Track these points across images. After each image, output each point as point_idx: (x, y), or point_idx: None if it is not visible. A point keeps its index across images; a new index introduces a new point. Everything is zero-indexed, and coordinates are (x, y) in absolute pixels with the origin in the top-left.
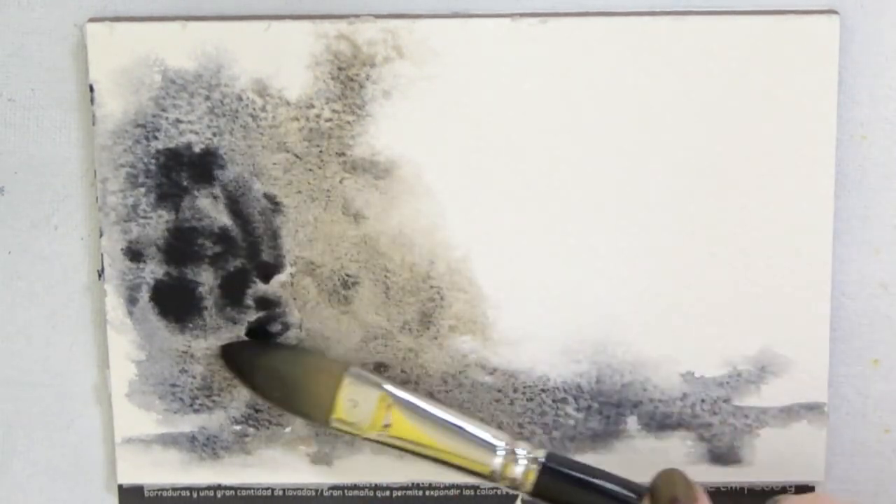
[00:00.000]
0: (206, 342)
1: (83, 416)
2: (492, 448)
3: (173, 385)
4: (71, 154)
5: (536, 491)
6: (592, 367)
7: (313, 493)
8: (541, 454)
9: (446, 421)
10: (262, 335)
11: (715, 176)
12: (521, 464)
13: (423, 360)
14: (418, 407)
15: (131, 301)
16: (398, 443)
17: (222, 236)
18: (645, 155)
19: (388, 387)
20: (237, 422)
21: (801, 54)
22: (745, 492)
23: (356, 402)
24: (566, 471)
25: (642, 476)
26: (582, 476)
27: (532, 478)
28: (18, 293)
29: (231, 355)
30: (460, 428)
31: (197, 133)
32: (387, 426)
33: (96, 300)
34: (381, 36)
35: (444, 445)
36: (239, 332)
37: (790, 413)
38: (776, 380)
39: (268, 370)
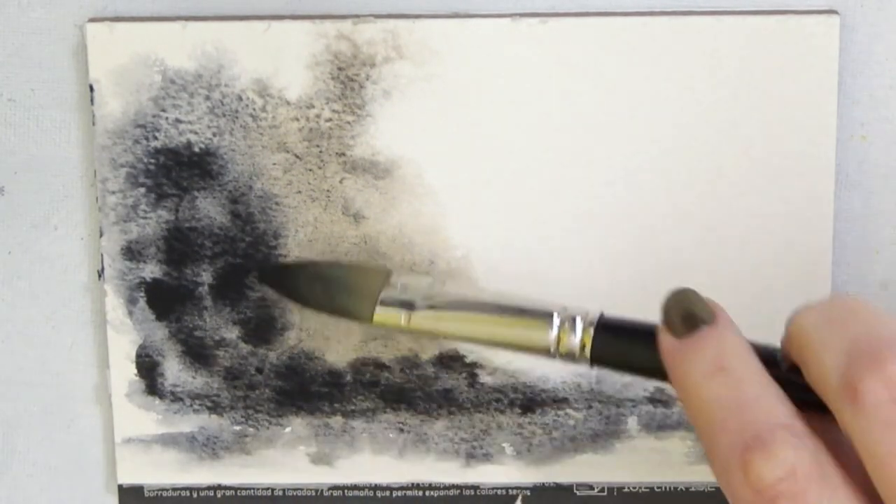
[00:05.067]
0: (205, 342)
1: (83, 416)
2: (548, 319)
3: (174, 385)
4: (71, 154)
5: (595, 359)
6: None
7: (313, 493)
8: (595, 316)
9: (497, 303)
10: (261, 332)
11: (715, 176)
12: (578, 333)
13: (423, 360)
14: (466, 295)
15: (131, 301)
16: (447, 327)
17: (222, 236)
18: (645, 155)
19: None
20: (237, 422)
21: (801, 54)
22: None
23: (406, 286)
24: (623, 329)
25: (642, 476)
26: (637, 330)
27: (588, 344)
28: (18, 293)
29: (268, 276)
30: (511, 308)
31: (197, 133)
32: (433, 307)
33: (96, 300)
34: (381, 36)
35: (499, 329)
36: (238, 333)
37: None
38: None
39: (311, 277)
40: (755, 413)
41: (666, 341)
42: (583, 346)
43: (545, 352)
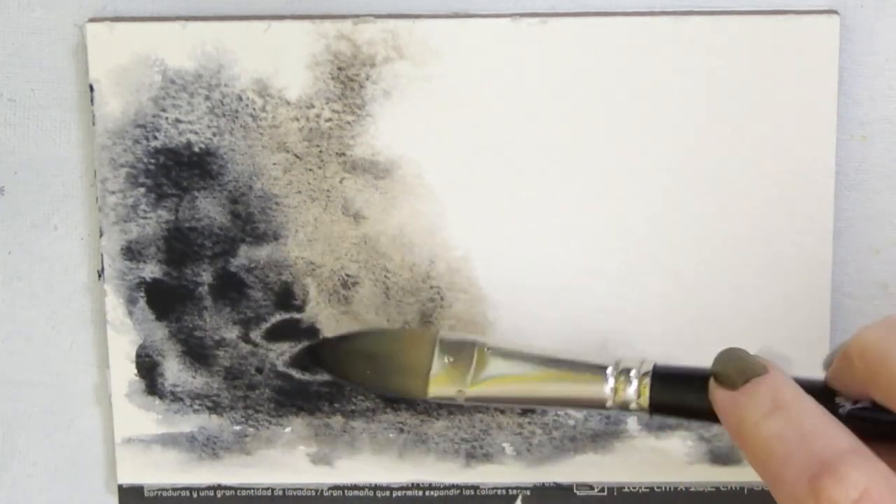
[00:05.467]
0: (205, 342)
1: (83, 416)
2: (601, 375)
3: (174, 385)
4: (71, 154)
5: (654, 407)
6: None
7: (313, 493)
8: (648, 366)
9: (548, 361)
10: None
11: (715, 176)
12: (633, 383)
13: None
14: (515, 353)
15: (131, 301)
16: (500, 393)
17: (222, 236)
18: (645, 155)
19: (481, 340)
20: (237, 422)
21: (801, 54)
22: (745, 492)
23: (453, 360)
24: (677, 377)
25: (642, 476)
26: (694, 378)
27: (645, 394)
28: (18, 293)
29: (315, 353)
30: (564, 364)
31: (197, 133)
32: (484, 380)
33: (96, 300)
34: (381, 36)
35: (552, 389)
36: (238, 333)
37: None
38: None
39: (356, 354)
40: (820, 442)
41: (719, 394)
42: (639, 396)
43: (601, 405)
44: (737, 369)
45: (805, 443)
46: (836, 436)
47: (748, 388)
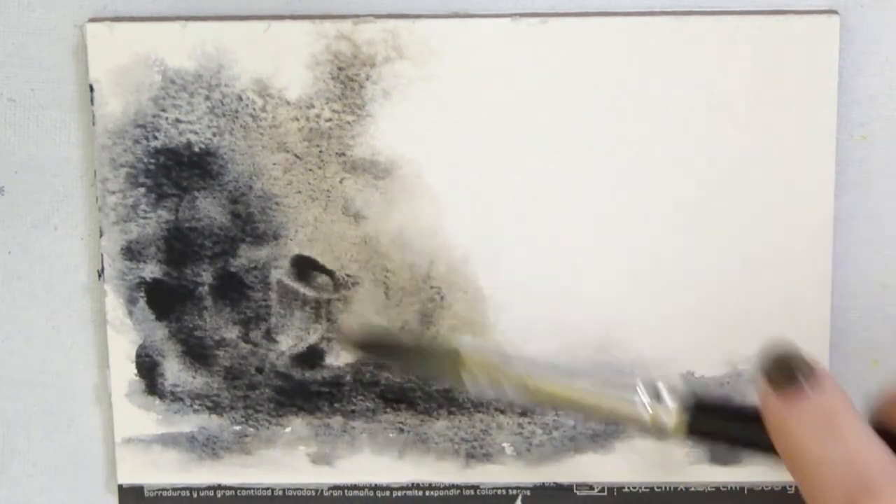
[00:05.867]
0: (205, 342)
1: (83, 416)
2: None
3: (174, 385)
4: (71, 154)
5: (691, 432)
6: (592, 368)
7: (313, 493)
8: (688, 399)
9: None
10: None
11: (715, 176)
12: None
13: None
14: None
15: (131, 301)
16: (537, 392)
17: (222, 236)
18: (645, 155)
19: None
20: (237, 422)
21: (801, 54)
22: (745, 492)
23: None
24: (715, 408)
25: (642, 476)
26: (732, 408)
27: (682, 420)
28: (18, 293)
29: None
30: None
31: (197, 133)
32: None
33: (96, 300)
34: (381, 36)
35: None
36: (238, 333)
37: None
38: None
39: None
40: (864, 466)
41: (770, 400)
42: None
43: (640, 425)
44: (783, 369)
45: (850, 465)
46: (880, 459)
47: (797, 400)
